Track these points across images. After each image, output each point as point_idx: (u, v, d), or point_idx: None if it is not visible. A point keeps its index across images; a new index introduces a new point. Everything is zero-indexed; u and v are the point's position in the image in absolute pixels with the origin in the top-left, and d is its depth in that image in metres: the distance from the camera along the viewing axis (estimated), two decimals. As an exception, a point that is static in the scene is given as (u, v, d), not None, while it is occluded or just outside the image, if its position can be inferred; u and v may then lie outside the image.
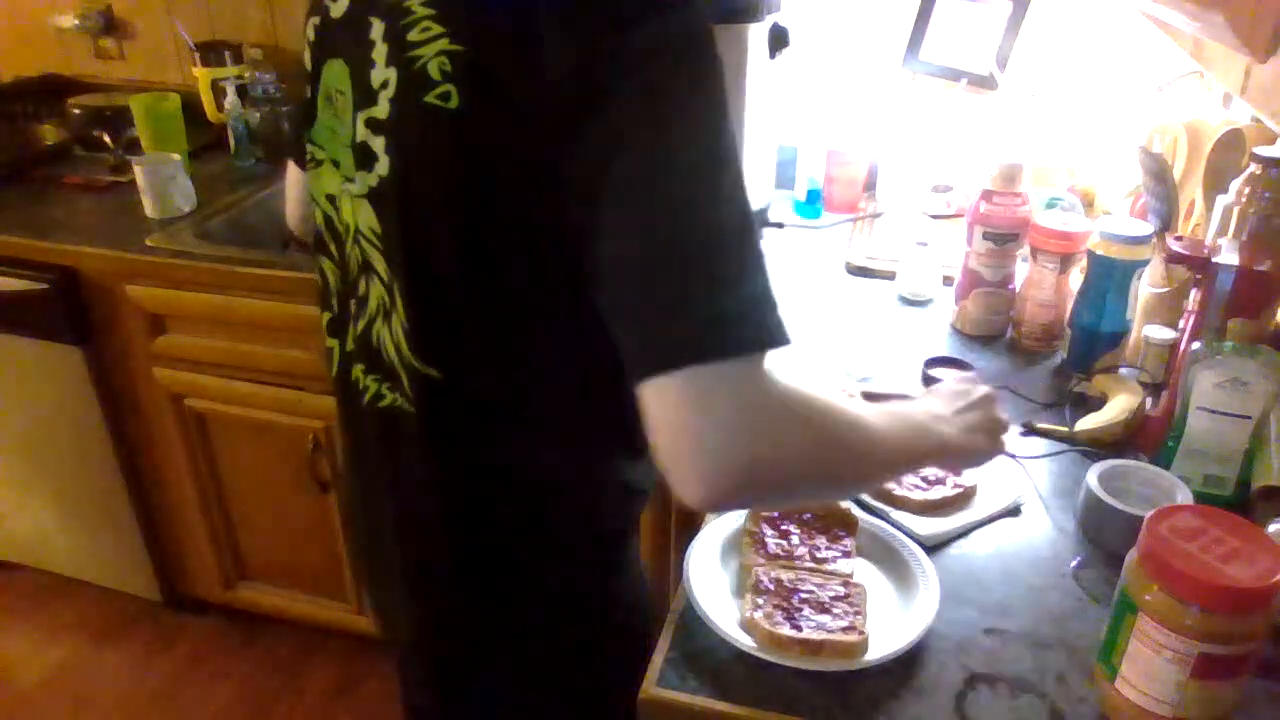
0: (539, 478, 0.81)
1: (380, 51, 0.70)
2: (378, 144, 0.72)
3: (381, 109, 0.70)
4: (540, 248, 0.68)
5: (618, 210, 0.61)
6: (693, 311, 0.59)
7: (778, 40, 1.47)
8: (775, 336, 0.61)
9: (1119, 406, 1.12)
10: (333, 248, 0.82)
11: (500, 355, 0.74)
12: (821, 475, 0.66)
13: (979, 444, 0.84)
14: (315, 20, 0.80)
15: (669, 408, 0.59)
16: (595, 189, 0.61)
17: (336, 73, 0.76)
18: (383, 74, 0.70)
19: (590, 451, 0.82)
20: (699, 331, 0.59)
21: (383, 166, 0.72)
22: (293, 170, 1.01)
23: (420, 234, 0.71)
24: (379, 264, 0.76)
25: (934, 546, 0.94)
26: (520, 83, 0.62)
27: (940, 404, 0.84)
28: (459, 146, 0.66)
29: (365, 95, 0.72)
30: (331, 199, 0.79)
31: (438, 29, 0.65)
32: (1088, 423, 1.11)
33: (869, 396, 1.10)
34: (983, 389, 0.87)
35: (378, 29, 0.70)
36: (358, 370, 0.83)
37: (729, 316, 0.60)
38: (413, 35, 0.66)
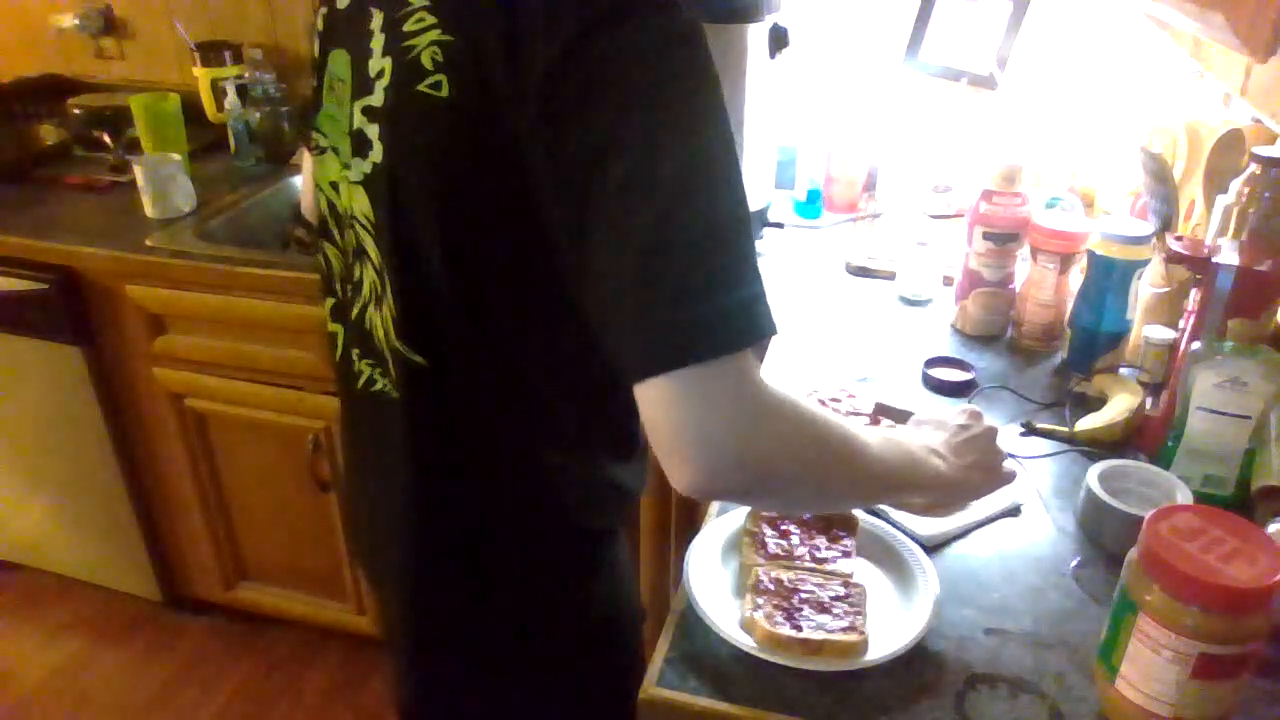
0: (522, 473, 0.81)
1: (378, 41, 0.71)
2: (372, 131, 0.73)
3: (377, 97, 0.72)
4: (523, 243, 0.69)
5: (608, 211, 0.61)
6: (688, 311, 0.60)
7: (778, 40, 1.46)
8: (765, 328, 0.62)
9: (1119, 406, 1.12)
10: (336, 234, 0.83)
11: (486, 347, 0.75)
12: (811, 474, 0.67)
13: (974, 481, 0.84)
14: (323, 10, 0.82)
15: (667, 406, 0.60)
16: (583, 189, 0.61)
17: (339, 61, 0.77)
18: (379, 63, 0.71)
19: (577, 450, 0.82)
20: (695, 331, 0.59)
21: (376, 154, 0.73)
22: (306, 158, 1.02)
23: (408, 221, 0.72)
24: (371, 250, 0.77)
25: (934, 546, 0.94)
26: (506, 76, 0.63)
27: (937, 437, 0.84)
28: (447, 136, 0.67)
29: (363, 83, 0.73)
30: (334, 185, 0.81)
31: (431, 19, 0.67)
32: (1088, 423, 1.11)
33: (881, 408, 1.09)
34: (983, 425, 0.87)
35: (377, 19, 0.71)
36: (354, 354, 0.85)
37: (724, 314, 0.60)
38: (408, 26, 0.68)
